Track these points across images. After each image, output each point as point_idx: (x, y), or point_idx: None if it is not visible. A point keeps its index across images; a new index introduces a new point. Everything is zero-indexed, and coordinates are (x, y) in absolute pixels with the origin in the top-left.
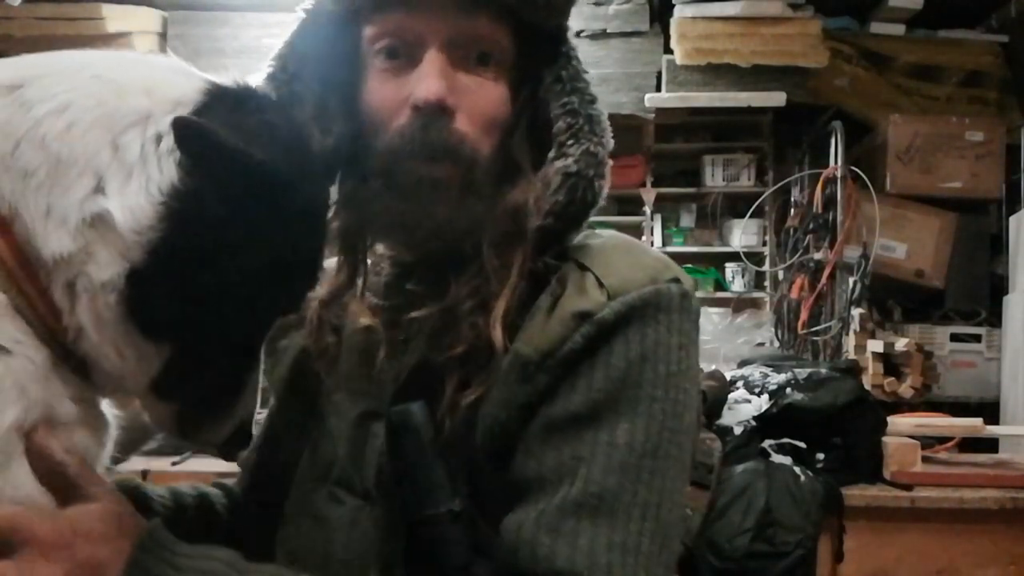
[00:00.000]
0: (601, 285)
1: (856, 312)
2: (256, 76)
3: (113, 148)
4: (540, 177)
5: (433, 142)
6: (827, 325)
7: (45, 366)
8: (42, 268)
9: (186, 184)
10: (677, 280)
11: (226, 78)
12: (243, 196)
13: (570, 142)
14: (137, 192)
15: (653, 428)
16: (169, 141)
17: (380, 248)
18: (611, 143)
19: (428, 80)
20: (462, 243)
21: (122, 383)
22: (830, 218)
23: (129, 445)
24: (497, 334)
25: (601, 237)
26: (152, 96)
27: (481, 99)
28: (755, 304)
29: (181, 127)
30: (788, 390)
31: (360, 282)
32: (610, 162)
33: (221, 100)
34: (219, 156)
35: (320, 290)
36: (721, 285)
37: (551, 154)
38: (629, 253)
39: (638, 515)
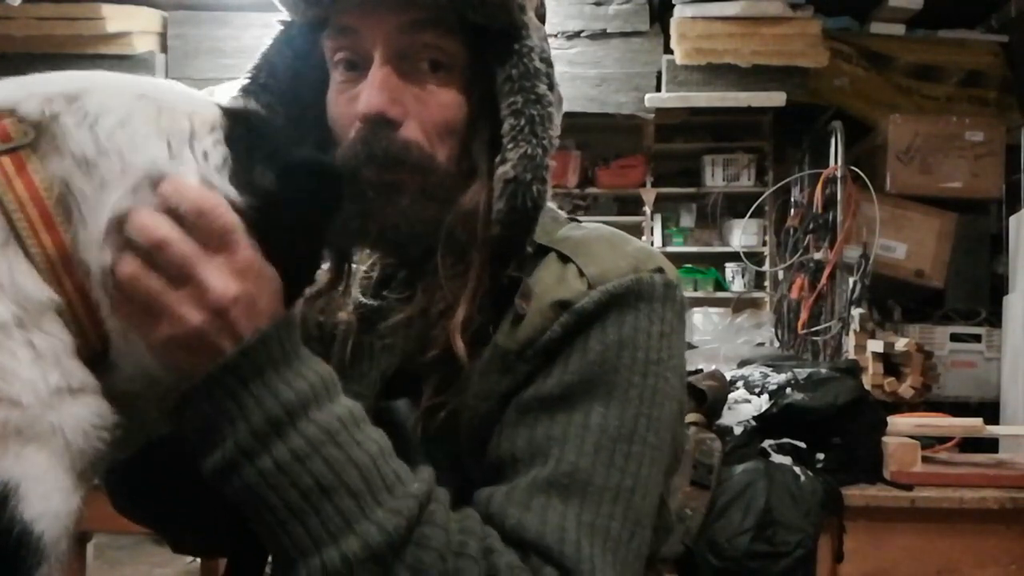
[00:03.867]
0: (582, 275)
1: (856, 312)
2: (234, 84)
3: (173, 158)
4: (496, 180)
5: (375, 152)
6: (827, 325)
7: (72, 348)
8: (89, 274)
9: (247, 211)
10: (661, 270)
11: (223, 100)
12: (312, 214)
13: (510, 146)
14: None
15: (629, 413)
16: (216, 158)
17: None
18: (555, 143)
19: (368, 93)
20: (421, 247)
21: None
22: (830, 218)
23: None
24: (458, 343)
25: (584, 228)
26: (192, 120)
27: (431, 107)
28: (755, 304)
29: (290, 171)
30: (788, 390)
31: (344, 281)
32: (551, 163)
33: (236, 122)
34: (318, 176)
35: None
36: (721, 285)
37: (497, 159)
38: (611, 243)
39: (609, 498)
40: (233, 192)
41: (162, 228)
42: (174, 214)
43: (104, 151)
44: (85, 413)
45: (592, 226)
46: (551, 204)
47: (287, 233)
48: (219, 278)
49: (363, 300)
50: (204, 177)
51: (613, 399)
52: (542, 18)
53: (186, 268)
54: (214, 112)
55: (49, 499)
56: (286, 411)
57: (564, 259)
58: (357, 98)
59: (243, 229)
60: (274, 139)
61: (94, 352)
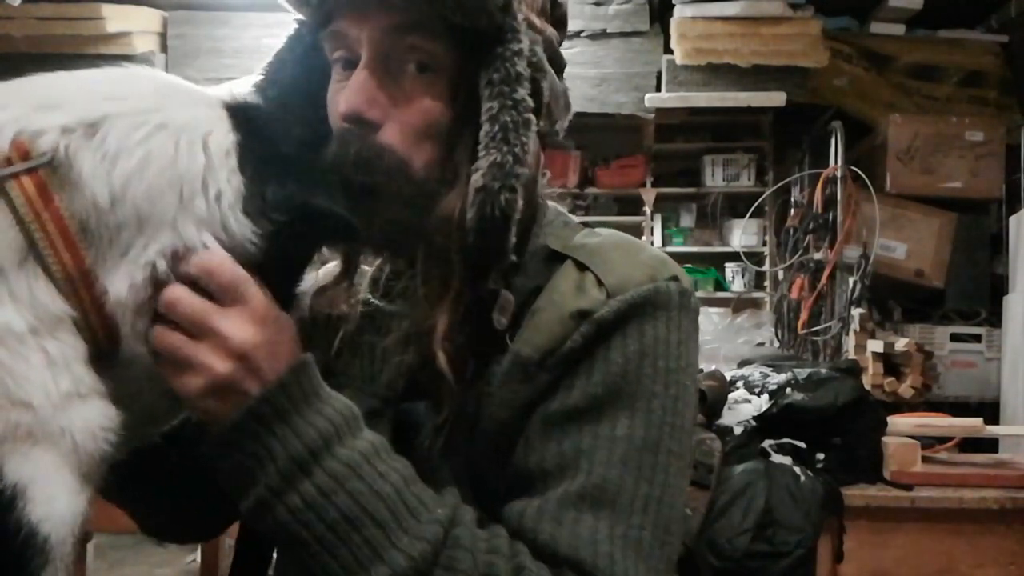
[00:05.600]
0: (600, 284)
1: (856, 312)
2: (242, 81)
3: (183, 207)
4: (470, 188)
5: (348, 152)
6: (827, 325)
7: (84, 355)
8: (106, 295)
9: (264, 234)
10: (676, 278)
11: (228, 95)
12: (318, 239)
13: (482, 153)
14: (212, 243)
15: (653, 423)
16: (230, 194)
17: None
18: (528, 150)
19: (346, 93)
20: (404, 252)
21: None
22: (830, 218)
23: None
24: (440, 356)
25: (599, 236)
26: (208, 149)
27: (412, 110)
28: (755, 304)
29: (307, 212)
30: (788, 390)
31: (351, 276)
32: (522, 171)
33: (246, 131)
34: (323, 220)
35: (313, 283)
36: (721, 285)
37: (472, 166)
38: (627, 251)
39: (639, 508)
40: (247, 227)
41: (171, 290)
42: (186, 279)
43: (119, 199)
44: (94, 416)
45: (606, 232)
46: (560, 207)
47: (291, 252)
48: (236, 327)
49: (370, 299)
50: (214, 228)
51: (637, 410)
52: (560, 19)
53: (201, 321)
54: (226, 128)
55: (56, 501)
56: (309, 450)
57: (581, 267)
58: None
59: (252, 281)
60: (284, 148)
61: (103, 354)
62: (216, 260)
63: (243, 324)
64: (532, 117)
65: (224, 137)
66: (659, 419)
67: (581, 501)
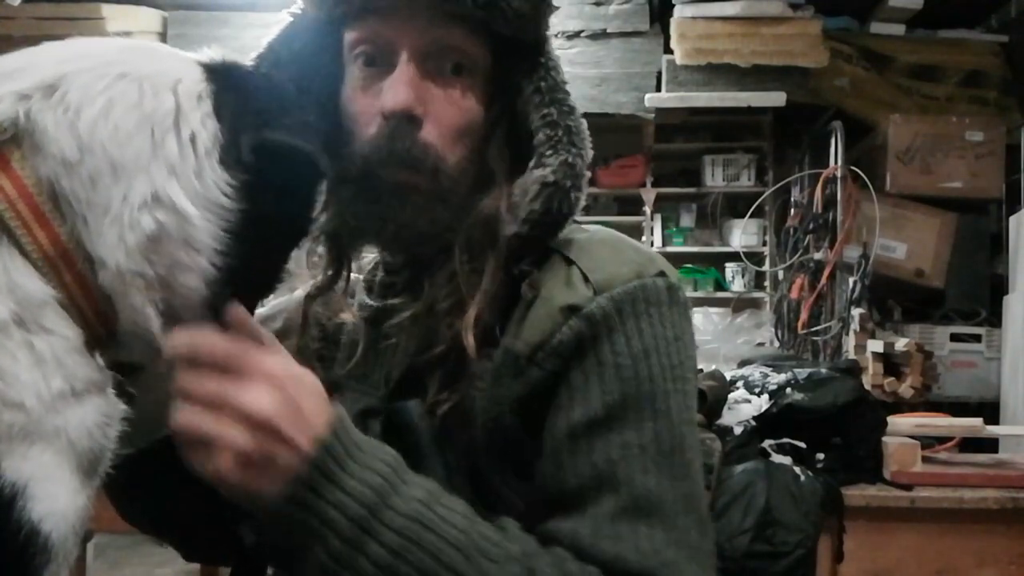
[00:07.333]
0: (587, 280)
1: (856, 312)
2: None
3: (155, 151)
4: (518, 186)
5: (399, 151)
6: (827, 325)
7: (78, 343)
8: (93, 264)
9: (240, 187)
10: (663, 274)
11: (204, 55)
12: (297, 188)
13: (549, 152)
14: (183, 197)
15: (673, 422)
16: (205, 137)
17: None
18: (590, 154)
19: (395, 88)
20: (431, 248)
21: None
22: (830, 218)
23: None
24: (469, 339)
25: (587, 231)
26: (177, 94)
27: (451, 109)
28: (755, 304)
29: (263, 143)
30: (788, 390)
31: (344, 280)
32: (588, 173)
33: (222, 83)
34: (290, 160)
35: (307, 287)
36: (721, 285)
37: (531, 164)
38: (614, 248)
39: (682, 510)
40: (223, 179)
41: (179, 376)
42: (190, 361)
43: (87, 148)
44: (90, 414)
45: (593, 228)
46: None
47: (270, 208)
48: (250, 395)
49: (369, 301)
50: (187, 176)
51: (657, 412)
52: None
53: (213, 397)
54: (198, 77)
55: (56, 499)
56: (368, 509)
57: (568, 262)
58: (378, 95)
59: (251, 347)
60: (260, 99)
61: (100, 338)
62: (202, 338)
63: (258, 392)
64: (584, 123)
65: (195, 84)
66: (677, 417)
67: (631, 513)
